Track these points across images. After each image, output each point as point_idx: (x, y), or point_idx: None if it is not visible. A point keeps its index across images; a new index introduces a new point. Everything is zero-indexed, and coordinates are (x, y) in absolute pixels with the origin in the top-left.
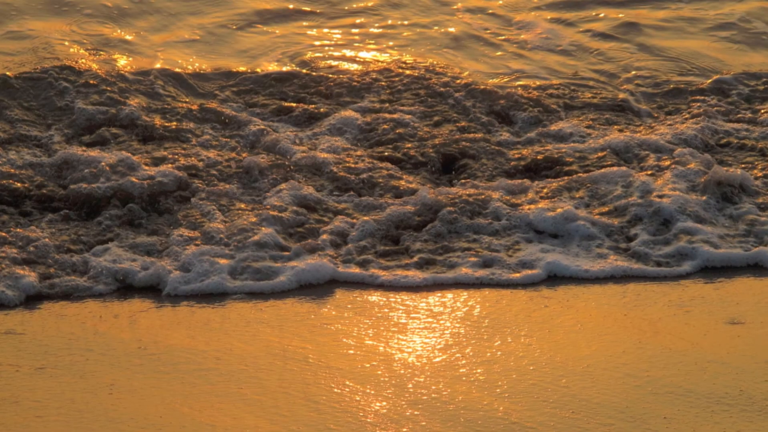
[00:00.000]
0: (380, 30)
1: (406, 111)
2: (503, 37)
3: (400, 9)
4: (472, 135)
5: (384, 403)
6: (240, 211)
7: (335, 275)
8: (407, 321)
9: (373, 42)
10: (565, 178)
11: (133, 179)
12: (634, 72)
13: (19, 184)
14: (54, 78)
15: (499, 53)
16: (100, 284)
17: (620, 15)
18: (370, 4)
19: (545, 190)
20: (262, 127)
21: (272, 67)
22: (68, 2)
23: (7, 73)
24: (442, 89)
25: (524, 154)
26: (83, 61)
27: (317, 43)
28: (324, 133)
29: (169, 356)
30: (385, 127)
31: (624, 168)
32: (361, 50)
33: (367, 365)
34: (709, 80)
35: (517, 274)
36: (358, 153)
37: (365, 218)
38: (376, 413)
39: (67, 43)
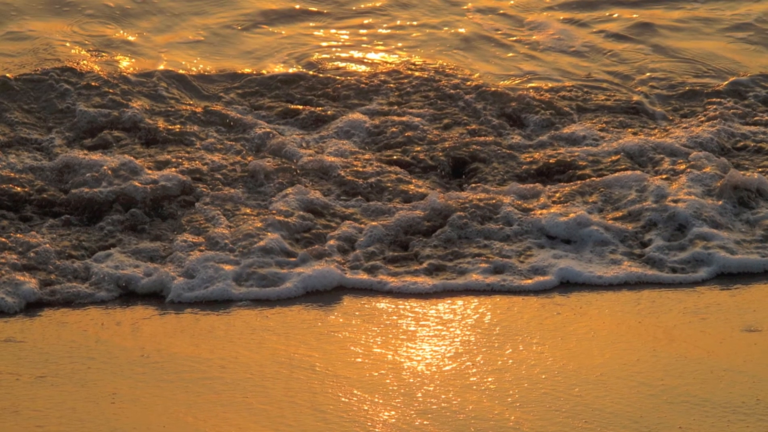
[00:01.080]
0: (389, 31)
1: (416, 113)
2: (515, 38)
3: (408, 9)
4: (482, 138)
5: (392, 413)
6: (245, 216)
7: (343, 282)
8: (416, 328)
9: (381, 43)
10: (578, 182)
11: (136, 183)
12: (648, 74)
13: (19, 189)
14: (55, 80)
15: (510, 54)
16: (102, 291)
17: (634, 15)
18: (378, 4)
19: (557, 195)
20: (268, 130)
21: (278, 69)
22: (69, 2)
23: (7, 74)
24: (452, 91)
25: (536, 157)
26: (85, 62)
27: (324, 44)
28: (331, 136)
29: (172, 364)
30: (394, 130)
31: (638, 172)
32: (369, 51)
33: (376, 374)
34: (726, 82)
35: (529, 281)
36: (366, 156)
37: (373, 223)
38: (385, 423)
39: (68, 44)
